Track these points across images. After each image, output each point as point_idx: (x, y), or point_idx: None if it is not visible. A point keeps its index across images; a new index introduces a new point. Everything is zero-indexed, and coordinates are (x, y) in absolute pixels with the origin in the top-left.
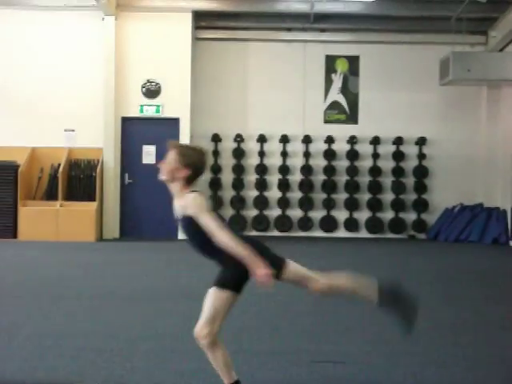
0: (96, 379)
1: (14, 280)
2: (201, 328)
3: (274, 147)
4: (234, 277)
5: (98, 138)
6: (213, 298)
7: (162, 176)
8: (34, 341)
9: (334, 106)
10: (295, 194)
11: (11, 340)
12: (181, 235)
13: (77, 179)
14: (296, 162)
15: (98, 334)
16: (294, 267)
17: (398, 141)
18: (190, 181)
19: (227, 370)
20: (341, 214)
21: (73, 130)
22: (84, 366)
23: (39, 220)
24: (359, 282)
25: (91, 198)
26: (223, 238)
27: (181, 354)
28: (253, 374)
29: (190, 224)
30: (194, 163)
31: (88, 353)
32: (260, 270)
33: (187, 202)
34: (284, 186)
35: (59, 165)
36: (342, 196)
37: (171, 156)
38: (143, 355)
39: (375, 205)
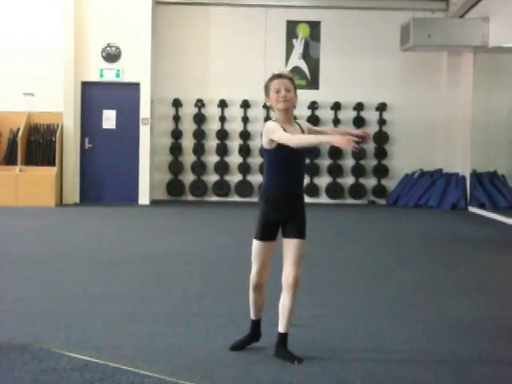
0: (55, 342)
1: None
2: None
3: (234, 112)
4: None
5: (57, 103)
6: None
7: (287, 104)
8: None
9: (295, 71)
10: (256, 160)
11: None
12: (141, 200)
13: (36, 144)
14: (257, 127)
15: (57, 297)
16: None
17: (359, 106)
18: None
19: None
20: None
21: (32, 94)
22: (43, 330)
23: None
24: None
25: (51, 163)
26: (295, 140)
27: (139, 318)
28: (213, 337)
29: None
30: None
31: (47, 316)
32: (340, 141)
33: (303, 125)
34: (245, 151)
35: (18, 129)
36: None
37: (290, 85)
38: (102, 319)
39: (335, 170)
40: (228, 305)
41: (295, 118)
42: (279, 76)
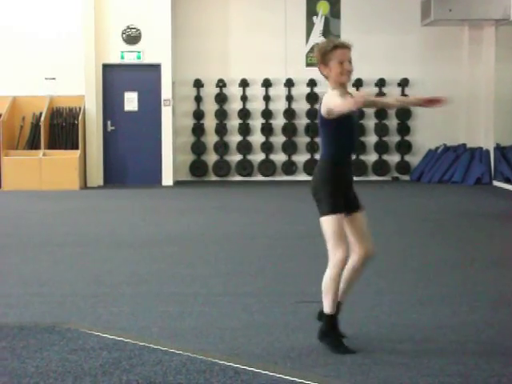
0: (82, 324)
1: None
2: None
3: (256, 92)
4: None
5: (79, 86)
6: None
7: (350, 78)
8: (20, 288)
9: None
10: (278, 139)
11: None
12: (165, 181)
13: (59, 127)
14: (279, 105)
15: (84, 280)
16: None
17: (381, 82)
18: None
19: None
20: None
21: (54, 78)
22: (70, 312)
23: (22, 169)
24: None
25: (74, 146)
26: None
27: (166, 298)
28: (238, 315)
29: (322, 121)
30: (323, 52)
31: (74, 299)
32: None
33: (354, 93)
34: (267, 130)
35: (41, 113)
36: None
37: (349, 55)
38: (129, 300)
39: (359, 147)
40: (253, 284)
41: None
42: (343, 46)
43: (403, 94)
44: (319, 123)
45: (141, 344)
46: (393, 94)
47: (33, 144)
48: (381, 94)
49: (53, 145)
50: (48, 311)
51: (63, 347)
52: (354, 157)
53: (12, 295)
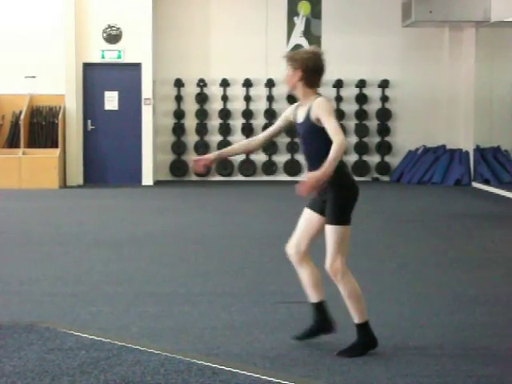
0: (61, 323)
1: None
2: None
3: (237, 91)
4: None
5: (59, 85)
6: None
7: (288, 88)
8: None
9: (297, 49)
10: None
11: None
12: (145, 181)
13: (39, 126)
14: (259, 106)
15: (62, 279)
16: None
17: (361, 83)
18: (308, 83)
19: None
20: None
21: (34, 77)
22: (49, 311)
23: (1, 168)
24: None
25: (54, 145)
26: (342, 138)
27: (145, 297)
28: (217, 315)
29: (312, 127)
30: (305, 63)
31: (52, 298)
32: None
33: (314, 106)
34: (248, 130)
35: (21, 112)
36: None
37: (287, 65)
38: (108, 299)
39: None
40: (233, 283)
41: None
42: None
43: (383, 95)
44: (308, 130)
45: (119, 344)
46: (373, 95)
47: (12, 142)
48: (361, 95)
49: (32, 143)
50: (27, 310)
51: (41, 346)
52: None
53: None
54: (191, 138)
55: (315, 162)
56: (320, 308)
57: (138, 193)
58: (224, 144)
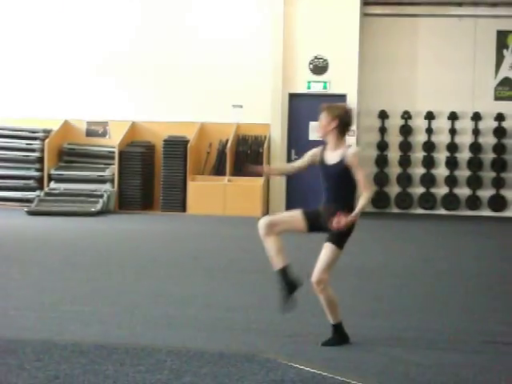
0: (281, 355)
1: (180, 252)
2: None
3: (441, 124)
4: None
5: (265, 114)
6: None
7: (318, 134)
8: (205, 312)
9: (506, 82)
10: (463, 172)
11: (185, 310)
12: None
13: (244, 154)
14: (464, 139)
15: (267, 307)
16: None
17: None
18: (340, 131)
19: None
20: (511, 194)
21: (241, 106)
22: (270, 343)
23: (207, 194)
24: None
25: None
26: (370, 191)
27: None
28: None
29: (343, 170)
30: (340, 115)
31: (258, 325)
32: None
33: (348, 153)
34: (452, 163)
35: (227, 140)
36: None
37: (322, 115)
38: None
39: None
40: (437, 321)
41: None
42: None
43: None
44: (339, 172)
45: (340, 379)
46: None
47: (218, 170)
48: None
49: (237, 171)
50: (234, 338)
51: (264, 377)
52: None
53: (198, 318)
54: (394, 170)
55: (336, 197)
56: (287, 270)
57: None
58: (428, 177)
